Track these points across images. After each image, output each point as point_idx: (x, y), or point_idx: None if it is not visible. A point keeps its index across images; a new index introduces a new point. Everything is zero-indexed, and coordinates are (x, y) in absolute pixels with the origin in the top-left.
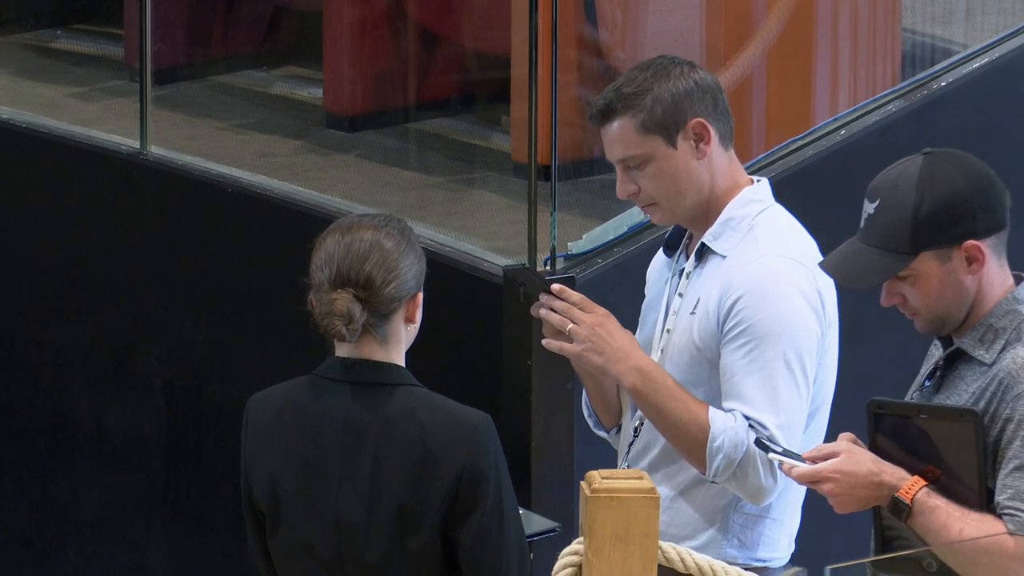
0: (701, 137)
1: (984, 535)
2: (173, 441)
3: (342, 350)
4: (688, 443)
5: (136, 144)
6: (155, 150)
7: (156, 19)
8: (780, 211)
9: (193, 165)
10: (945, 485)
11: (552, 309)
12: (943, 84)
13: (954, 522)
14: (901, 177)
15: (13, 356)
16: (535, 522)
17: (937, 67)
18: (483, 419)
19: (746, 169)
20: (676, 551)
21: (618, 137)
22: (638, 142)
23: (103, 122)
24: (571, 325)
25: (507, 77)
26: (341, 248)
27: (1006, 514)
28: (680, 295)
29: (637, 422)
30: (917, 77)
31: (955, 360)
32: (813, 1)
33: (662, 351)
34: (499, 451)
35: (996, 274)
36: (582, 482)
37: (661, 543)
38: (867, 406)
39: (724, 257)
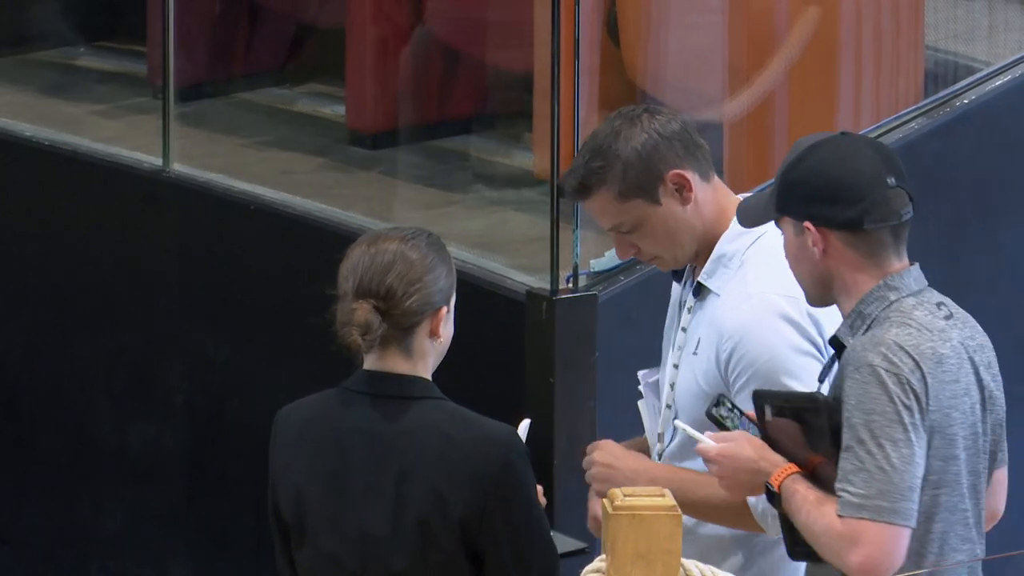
0: (682, 186)
1: (822, 518)
2: (195, 458)
3: (369, 363)
4: (733, 520)
5: (159, 161)
6: (178, 167)
7: (179, 36)
8: (773, 236)
9: (215, 182)
10: (821, 472)
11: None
12: (966, 101)
13: (809, 506)
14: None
15: (36, 372)
16: (562, 543)
17: (960, 84)
18: (510, 433)
19: (766, 186)
20: (699, 568)
21: (601, 210)
22: (621, 211)
23: (126, 139)
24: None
25: (529, 94)
26: (366, 259)
27: (838, 496)
28: (684, 330)
29: (661, 434)
30: (940, 95)
31: (840, 351)
32: (836, 19)
33: (671, 386)
34: (526, 465)
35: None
36: (604, 499)
37: (683, 560)
38: (752, 397)
39: (719, 296)
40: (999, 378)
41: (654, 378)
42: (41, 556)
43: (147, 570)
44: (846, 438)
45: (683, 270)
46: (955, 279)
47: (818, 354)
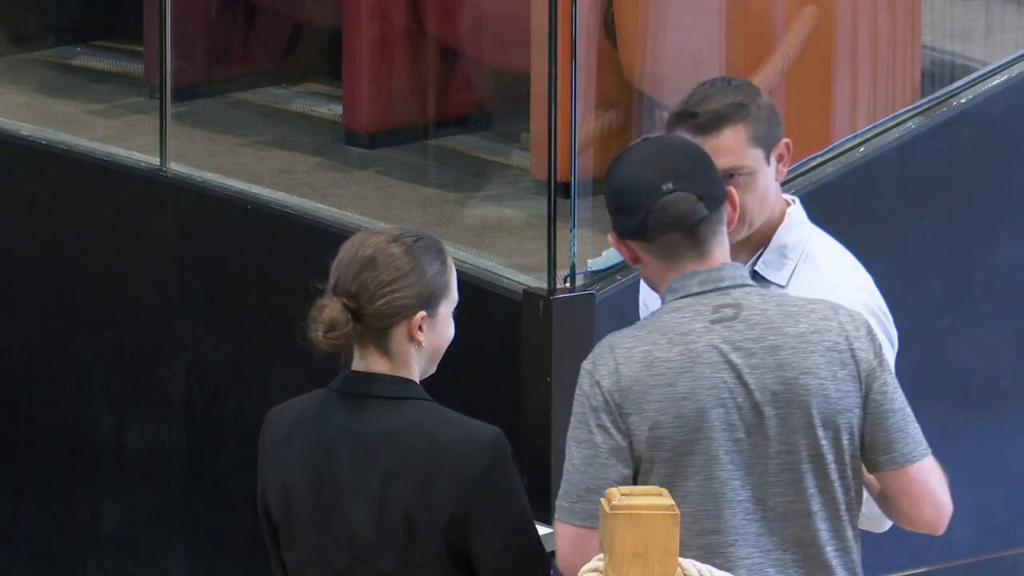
0: (782, 158)
1: None
2: (193, 458)
3: (353, 363)
4: None
5: (156, 161)
6: (175, 167)
7: (176, 36)
8: (820, 231)
9: (212, 182)
10: None
11: None
12: (963, 101)
13: None
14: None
15: (34, 372)
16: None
17: (957, 84)
18: (494, 433)
19: None
20: (696, 567)
21: (727, 147)
22: (748, 154)
23: (123, 139)
24: None
25: (526, 94)
26: (347, 256)
27: None
28: None
29: None
30: (937, 94)
31: None
32: (832, 18)
33: None
34: (511, 465)
35: None
36: (601, 499)
37: (680, 559)
38: None
39: (783, 287)
40: (809, 380)
41: None
42: (39, 556)
43: (145, 570)
44: None
45: None
46: (952, 279)
47: (890, 346)
